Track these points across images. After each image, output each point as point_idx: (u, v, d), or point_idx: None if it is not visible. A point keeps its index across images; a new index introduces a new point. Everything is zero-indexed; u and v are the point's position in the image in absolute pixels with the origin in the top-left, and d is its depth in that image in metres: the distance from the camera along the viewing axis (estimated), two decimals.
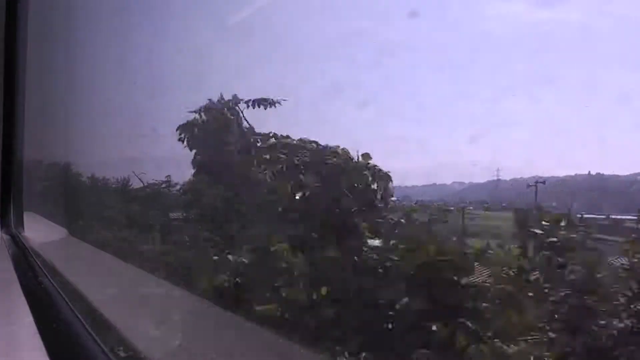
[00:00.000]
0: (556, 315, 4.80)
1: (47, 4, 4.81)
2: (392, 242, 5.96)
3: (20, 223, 4.35)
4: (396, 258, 5.68)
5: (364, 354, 4.91)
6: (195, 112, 9.80)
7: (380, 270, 5.64)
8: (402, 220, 6.83)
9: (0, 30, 3.98)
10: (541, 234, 5.70)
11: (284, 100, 8.10)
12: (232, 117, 10.54)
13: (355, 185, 6.99)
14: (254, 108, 8.75)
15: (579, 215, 6.99)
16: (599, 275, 4.99)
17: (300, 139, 7.86)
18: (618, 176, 8.65)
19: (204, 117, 10.01)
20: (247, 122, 10.33)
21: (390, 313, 5.20)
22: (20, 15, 4.12)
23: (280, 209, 6.72)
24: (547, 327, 4.78)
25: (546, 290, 5.08)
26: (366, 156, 7.37)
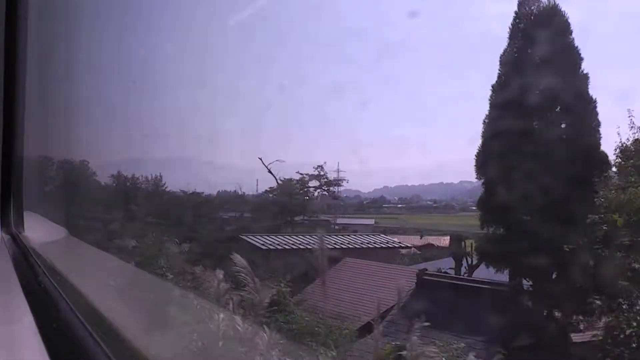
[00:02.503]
0: None
1: (48, 3, 4.79)
2: None
3: (20, 223, 4.33)
4: None
5: None
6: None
7: None
8: None
9: (0, 30, 3.96)
10: None
11: None
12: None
13: None
14: None
15: None
16: None
17: None
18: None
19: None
20: None
21: None
22: (20, 15, 4.09)
23: None
24: None
25: None
26: None
